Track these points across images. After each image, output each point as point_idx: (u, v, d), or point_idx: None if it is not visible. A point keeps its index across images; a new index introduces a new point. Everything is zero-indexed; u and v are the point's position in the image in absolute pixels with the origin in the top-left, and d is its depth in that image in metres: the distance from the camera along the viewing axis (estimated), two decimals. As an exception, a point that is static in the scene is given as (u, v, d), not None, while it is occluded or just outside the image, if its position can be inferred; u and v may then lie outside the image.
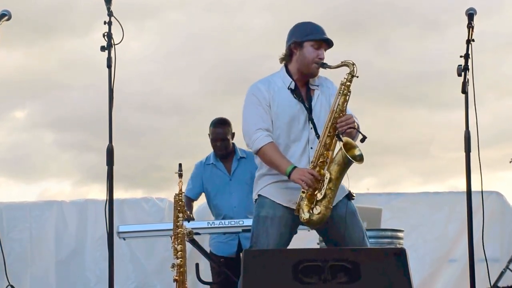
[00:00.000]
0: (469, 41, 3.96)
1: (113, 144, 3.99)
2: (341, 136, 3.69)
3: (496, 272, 6.35)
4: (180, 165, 4.55)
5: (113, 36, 3.98)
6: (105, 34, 3.96)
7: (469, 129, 3.99)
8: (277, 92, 3.87)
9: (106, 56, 3.97)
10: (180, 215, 4.40)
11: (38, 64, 9.15)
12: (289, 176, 3.71)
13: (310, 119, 3.85)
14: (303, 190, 3.70)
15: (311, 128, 3.85)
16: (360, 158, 3.72)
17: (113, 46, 3.96)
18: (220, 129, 5.33)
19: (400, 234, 5.12)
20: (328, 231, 3.90)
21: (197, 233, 4.80)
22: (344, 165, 3.70)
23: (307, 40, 3.86)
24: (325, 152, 3.73)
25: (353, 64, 3.80)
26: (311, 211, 3.69)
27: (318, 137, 3.80)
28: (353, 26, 9.17)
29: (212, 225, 4.95)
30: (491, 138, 8.93)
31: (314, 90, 3.94)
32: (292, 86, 3.88)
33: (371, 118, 9.44)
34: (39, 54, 9.12)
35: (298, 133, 3.85)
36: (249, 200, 5.26)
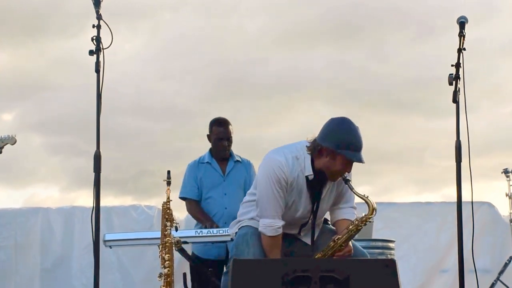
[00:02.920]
0: (460, 50, 3.94)
1: (100, 150, 3.93)
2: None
3: (487, 283, 6.32)
4: (168, 172, 4.50)
5: (102, 40, 3.92)
6: (94, 38, 3.91)
7: (460, 138, 3.96)
8: (296, 187, 3.85)
9: (95, 60, 3.91)
10: (168, 223, 4.34)
11: (26, 66, 9.09)
12: None
13: (313, 215, 3.94)
14: None
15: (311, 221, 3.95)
16: None
17: (102, 50, 3.90)
18: (225, 128, 5.31)
19: (391, 245, 5.08)
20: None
21: (185, 242, 4.75)
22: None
23: (342, 153, 3.73)
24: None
25: (374, 209, 3.81)
26: None
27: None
28: (348, 30, 9.16)
29: (200, 234, 4.90)
30: (484, 147, 8.92)
31: (326, 184, 3.91)
32: (311, 178, 3.84)
33: (366, 124, 9.38)
34: (27, 55, 9.07)
35: (298, 221, 3.94)
36: (240, 203, 5.24)
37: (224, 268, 5.08)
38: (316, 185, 3.84)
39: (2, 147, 4.23)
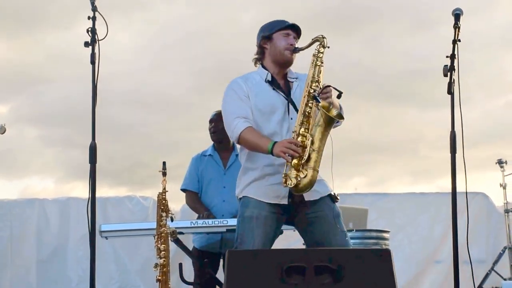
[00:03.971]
0: (455, 41, 3.94)
1: (96, 141, 3.93)
2: (318, 97, 3.68)
3: (482, 273, 6.35)
4: (164, 163, 4.51)
5: (98, 31, 3.91)
6: (89, 29, 3.90)
7: (455, 129, 3.97)
8: (255, 85, 3.90)
9: (90, 52, 3.91)
10: (164, 214, 4.36)
11: (21, 58, 9.07)
12: (271, 153, 3.68)
13: (289, 110, 3.84)
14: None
15: (291, 119, 3.83)
16: (339, 116, 3.72)
17: (97, 41, 3.90)
18: (216, 116, 5.34)
19: (385, 235, 5.10)
20: (311, 233, 3.86)
21: (181, 233, 4.76)
22: (325, 125, 3.68)
23: (275, 32, 3.92)
24: (305, 120, 3.70)
25: (323, 37, 3.81)
26: (298, 177, 3.63)
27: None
28: (343, 22, 9.15)
29: (196, 225, 4.91)
30: (478, 138, 8.94)
31: (292, 82, 3.95)
32: (269, 78, 3.90)
33: (361, 116, 9.43)
34: (22, 48, 9.04)
35: (278, 123, 3.83)
36: (240, 198, 5.26)
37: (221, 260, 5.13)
38: (278, 85, 3.88)
39: None
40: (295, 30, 3.93)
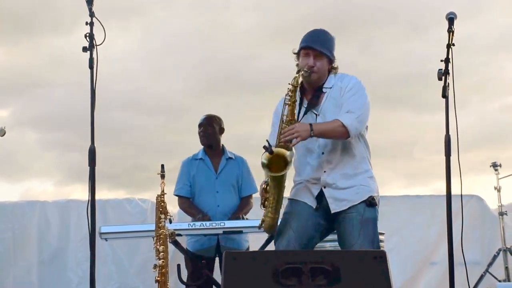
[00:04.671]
0: (449, 45, 3.99)
1: (95, 145, 3.98)
2: (272, 148, 3.67)
3: (476, 275, 6.40)
4: (162, 166, 4.56)
5: (95, 37, 3.97)
6: (87, 34, 3.95)
7: (450, 133, 4.02)
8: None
9: (88, 57, 3.96)
10: (162, 216, 4.41)
11: (20, 63, 9.10)
12: None
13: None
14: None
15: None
16: (264, 166, 3.69)
17: (95, 47, 3.95)
18: (204, 127, 5.37)
19: (381, 237, 5.10)
20: (338, 235, 3.96)
21: (179, 234, 4.82)
22: (273, 179, 3.75)
23: (299, 50, 3.92)
24: None
25: (298, 71, 3.82)
26: (262, 221, 3.91)
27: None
28: (338, 26, 9.15)
29: (193, 227, 4.96)
30: (473, 141, 8.99)
31: (324, 93, 3.95)
32: (297, 98, 3.89)
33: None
34: (22, 52, 9.08)
35: (311, 141, 3.87)
36: (232, 201, 5.29)
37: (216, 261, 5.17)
38: (302, 104, 3.92)
39: None
40: (314, 49, 3.86)
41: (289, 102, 3.77)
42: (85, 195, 7.84)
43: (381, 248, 5.01)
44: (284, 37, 9.12)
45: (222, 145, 5.45)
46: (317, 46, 3.87)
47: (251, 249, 5.21)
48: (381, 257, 3.47)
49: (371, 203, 3.87)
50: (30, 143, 9.53)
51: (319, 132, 3.75)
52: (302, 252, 3.99)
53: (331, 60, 3.94)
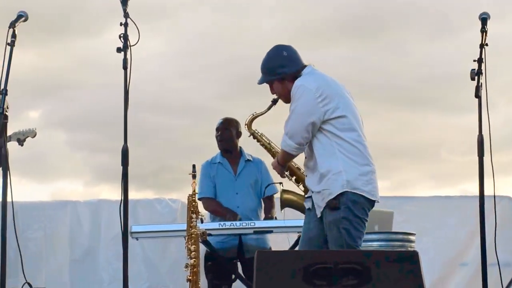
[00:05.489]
0: (482, 46, 3.97)
1: (128, 145, 4.03)
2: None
3: (508, 276, 6.34)
4: (193, 166, 4.59)
5: (129, 38, 4.00)
6: (121, 35, 3.98)
7: (482, 133, 3.99)
8: None
9: (122, 57, 3.99)
10: (194, 215, 4.43)
11: (51, 64, 9.20)
12: None
13: None
14: None
15: None
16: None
17: (129, 47, 3.99)
18: (222, 124, 5.39)
19: (411, 237, 5.11)
20: None
21: (209, 234, 4.83)
22: None
23: None
24: None
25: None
26: None
27: None
28: (364, 27, 9.16)
29: (224, 226, 4.98)
30: (503, 142, 8.91)
31: None
32: None
33: (383, 121, 9.43)
34: (52, 54, 9.17)
35: None
36: (252, 202, 5.31)
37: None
38: None
39: (24, 140, 4.31)
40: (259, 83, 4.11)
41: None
42: (114, 195, 7.91)
43: (411, 249, 5.02)
44: (308, 38, 9.13)
45: (240, 147, 5.46)
46: (259, 80, 4.06)
47: (273, 250, 5.21)
48: (413, 258, 3.46)
49: (330, 207, 3.84)
50: (60, 144, 9.63)
51: (281, 162, 4.03)
52: (333, 252, 3.99)
53: (281, 77, 3.97)
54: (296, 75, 3.95)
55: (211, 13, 9.30)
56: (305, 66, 3.99)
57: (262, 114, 4.35)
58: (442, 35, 9.21)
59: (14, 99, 3.77)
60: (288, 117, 3.91)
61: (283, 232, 5.03)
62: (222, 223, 5.04)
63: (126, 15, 3.99)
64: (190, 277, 4.30)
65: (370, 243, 4.80)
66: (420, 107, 9.48)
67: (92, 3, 8.88)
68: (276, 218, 5.29)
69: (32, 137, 4.34)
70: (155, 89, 9.35)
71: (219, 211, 5.32)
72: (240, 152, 5.44)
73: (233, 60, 9.13)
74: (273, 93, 4.06)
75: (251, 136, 4.35)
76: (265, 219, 5.22)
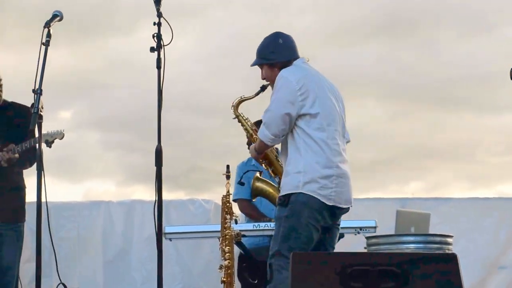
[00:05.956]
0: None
1: (161, 145, 4.00)
2: None
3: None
4: (227, 166, 4.56)
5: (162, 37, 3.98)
6: (155, 35, 3.96)
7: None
8: None
9: (153, 57, 3.96)
10: (228, 216, 4.40)
11: (83, 64, 9.23)
12: None
13: None
14: None
15: None
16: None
17: (163, 47, 3.96)
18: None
19: (449, 240, 5.02)
20: None
21: (244, 235, 4.79)
22: None
23: None
24: None
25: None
26: None
27: None
28: (397, 26, 9.08)
29: (258, 227, 4.95)
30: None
31: None
32: None
33: (416, 120, 9.34)
34: (84, 54, 9.21)
35: None
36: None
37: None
38: None
39: (52, 142, 4.32)
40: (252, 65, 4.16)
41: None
42: (146, 195, 7.90)
43: (449, 251, 4.94)
44: (342, 37, 9.06)
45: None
46: (253, 62, 4.12)
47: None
48: (452, 260, 3.40)
49: (278, 202, 3.89)
50: (92, 144, 9.67)
51: (257, 149, 4.05)
52: (370, 254, 3.95)
53: (271, 63, 4.03)
54: (286, 64, 3.99)
55: (243, 11, 9.28)
56: (297, 58, 4.03)
57: (249, 98, 4.29)
58: (477, 33, 9.07)
59: (46, 99, 3.77)
60: (267, 107, 3.92)
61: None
62: (256, 224, 5.01)
63: (159, 15, 3.97)
64: (224, 279, 4.26)
65: (407, 245, 4.74)
66: (455, 106, 9.36)
67: (123, 2, 8.91)
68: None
69: (60, 139, 4.35)
70: (186, 89, 9.34)
71: (254, 215, 5.30)
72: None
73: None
74: (262, 78, 4.09)
75: (236, 119, 4.31)
76: None
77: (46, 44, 3.79)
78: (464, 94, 9.18)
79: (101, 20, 9.01)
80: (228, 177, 4.53)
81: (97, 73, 9.18)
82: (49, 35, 3.81)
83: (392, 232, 5.11)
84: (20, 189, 4.62)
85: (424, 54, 9.09)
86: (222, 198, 4.52)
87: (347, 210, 3.96)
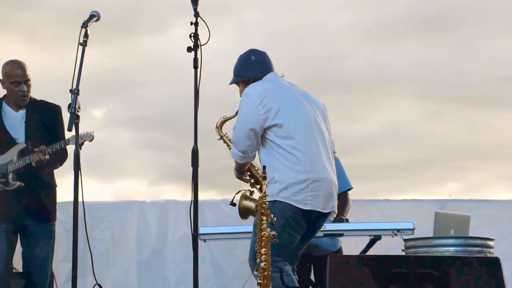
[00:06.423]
0: None
1: (197, 145, 3.98)
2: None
3: None
4: (264, 167, 4.49)
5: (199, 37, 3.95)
6: (192, 34, 3.94)
7: None
8: None
9: (188, 56, 3.95)
10: (264, 218, 4.34)
11: (116, 63, 9.26)
12: None
13: None
14: None
15: None
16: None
17: (200, 46, 3.94)
18: None
19: (490, 243, 4.91)
20: None
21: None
22: None
23: None
24: None
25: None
26: None
27: None
28: (435, 23, 8.97)
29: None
30: None
31: None
32: None
33: (454, 120, 9.21)
34: (117, 53, 9.24)
35: None
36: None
37: None
38: None
39: (82, 144, 4.33)
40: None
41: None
42: (178, 195, 7.89)
43: (490, 254, 4.83)
44: (376, 36, 8.99)
45: None
46: (230, 81, 4.21)
47: (344, 250, 5.10)
48: (494, 264, 3.35)
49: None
50: (124, 143, 9.70)
51: (237, 170, 4.13)
52: (409, 257, 3.89)
53: (245, 81, 4.11)
54: (258, 80, 4.05)
55: (278, 10, 9.26)
56: (269, 73, 4.08)
57: (231, 118, 4.32)
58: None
59: (79, 98, 3.76)
60: (234, 124, 4.02)
61: (354, 236, 4.91)
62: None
63: (196, 14, 3.96)
64: (260, 281, 4.20)
65: (447, 248, 4.65)
66: (494, 106, 9.22)
67: (157, 1, 8.92)
68: (347, 220, 5.16)
69: (90, 141, 4.36)
70: (219, 88, 9.32)
71: None
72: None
73: (299, 58, 9.06)
74: (240, 96, 4.09)
75: (221, 140, 4.40)
76: (336, 220, 5.08)
77: (84, 44, 3.80)
78: (504, 93, 9.05)
79: (134, 19, 9.04)
80: (264, 178, 4.47)
81: (130, 72, 9.21)
82: (86, 35, 3.82)
83: (430, 235, 5.02)
84: (50, 188, 4.63)
85: (462, 52, 8.99)
86: (258, 199, 4.46)
87: (329, 214, 4.01)
